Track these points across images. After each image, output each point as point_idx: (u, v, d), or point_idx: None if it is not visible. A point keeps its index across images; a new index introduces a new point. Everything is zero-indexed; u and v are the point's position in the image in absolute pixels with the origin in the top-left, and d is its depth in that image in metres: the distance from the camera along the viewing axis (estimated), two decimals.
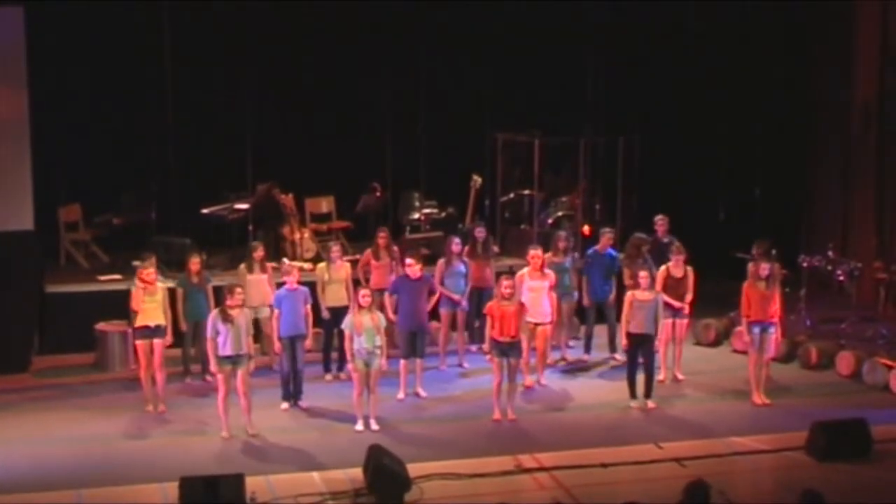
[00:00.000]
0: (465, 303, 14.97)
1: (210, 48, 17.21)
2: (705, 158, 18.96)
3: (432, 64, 18.39)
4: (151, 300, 13.34)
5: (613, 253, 15.36)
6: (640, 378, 13.55)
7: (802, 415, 12.89)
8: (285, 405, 13.57)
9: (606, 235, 15.39)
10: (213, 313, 12.67)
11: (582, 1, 18.53)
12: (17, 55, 14.72)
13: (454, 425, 13.15)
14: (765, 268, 13.66)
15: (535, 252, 14.20)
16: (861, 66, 18.59)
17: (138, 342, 13.36)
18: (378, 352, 12.72)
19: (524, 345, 14.00)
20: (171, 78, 17.08)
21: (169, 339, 13.49)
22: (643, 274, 13.57)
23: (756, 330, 13.62)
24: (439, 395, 14.08)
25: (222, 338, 12.42)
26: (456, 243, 14.98)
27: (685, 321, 14.57)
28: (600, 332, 15.46)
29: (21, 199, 14.86)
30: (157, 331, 13.33)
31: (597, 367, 15.28)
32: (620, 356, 15.01)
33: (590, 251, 15.44)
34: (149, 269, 13.44)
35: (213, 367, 12.58)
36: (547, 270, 14.23)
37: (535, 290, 13.99)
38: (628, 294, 13.57)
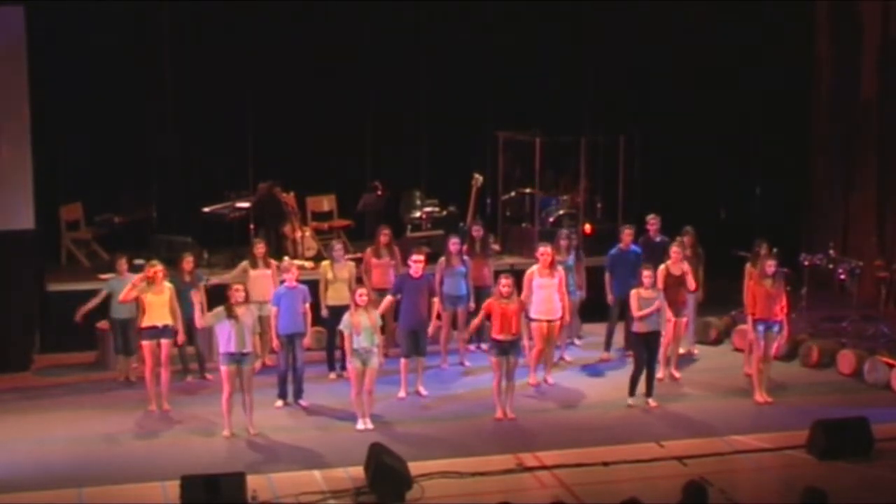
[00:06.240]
0: (472, 303, 14.98)
1: (210, 47, 17.20)
2: (706, 157, 18.93)
3: (433, 62, 18.37)
4: (157, 299, 13.32)
5: (637, 249, 15.32)
6: (641, 376, 13.53)
7: (803, 413, 12.89)
8: (279, 403, 13.56)
9: (627, 232, 15.36)
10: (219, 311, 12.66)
11: (582, 1, 18.52)
12: (18, 55, 14.71)
13: (455, 424, 13.14)
14: (771, 264, 13.66)
15: (544, 249, 14.17)
16: (862, 64, 18.57)
17: (145, 342, 13.32)
18: (376, 350, 12.73)
19: (526, 343, 14.05)
20: (172, 77, 17.09)
21: (182, 337, 13.50)
22: (647, 273, 13.56)
23: (760, 328, 13.60)
24: (440, 394, 14.08)
25: (226, 335, 12.43)
26: (454, 242, 14.97)
27: (684, 320, 14.56)
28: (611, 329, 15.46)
29: (22, 198, 14.84)
30: (164, 331, 13.31)
31: (597, 364, 15.28)
32: (607, 353, 15.28)
33: (613, 249, 15.36)
34: (156, 267, 13.39)
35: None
36: (556, 267, 14.20)
37: (545, 288, 13.95)
38: (633, 291, 13.55)
